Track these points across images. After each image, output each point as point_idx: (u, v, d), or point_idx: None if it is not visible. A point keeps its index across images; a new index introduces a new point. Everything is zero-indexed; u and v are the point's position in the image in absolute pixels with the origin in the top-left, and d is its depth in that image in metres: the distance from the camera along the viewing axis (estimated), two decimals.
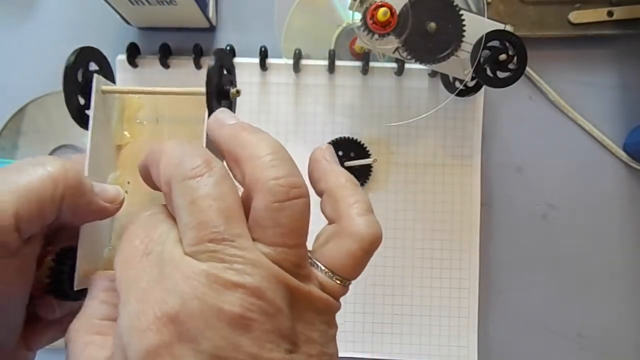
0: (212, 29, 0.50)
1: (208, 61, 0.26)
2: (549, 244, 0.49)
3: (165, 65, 0.48)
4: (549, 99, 0.50)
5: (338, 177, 0.24)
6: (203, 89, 0.26)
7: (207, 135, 0.25)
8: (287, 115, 0.48)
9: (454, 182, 0.48)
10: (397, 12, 0.37)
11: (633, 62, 0.50)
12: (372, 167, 0.47)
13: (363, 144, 0.47)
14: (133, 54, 0.47)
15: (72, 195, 0.22)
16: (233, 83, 0.28)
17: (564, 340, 0.48)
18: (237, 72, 0.48)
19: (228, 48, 0.48)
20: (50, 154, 0.49)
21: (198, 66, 0.48)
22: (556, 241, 0.49)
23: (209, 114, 0.26)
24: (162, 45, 0.48)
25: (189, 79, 0.48)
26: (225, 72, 0.28)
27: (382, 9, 0.36)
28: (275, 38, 0.48)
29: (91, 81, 0.27)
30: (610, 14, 0.48)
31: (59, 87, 0.52)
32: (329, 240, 0.22)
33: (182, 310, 0.17)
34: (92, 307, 0.22)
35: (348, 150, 0.47)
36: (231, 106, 0.29)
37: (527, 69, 0.49)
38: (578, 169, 0.49)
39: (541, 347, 0.48)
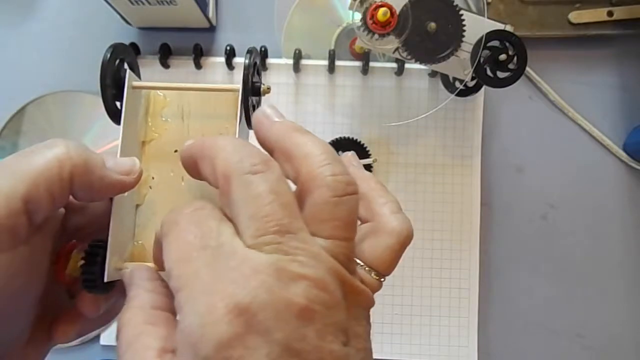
0: (212, 29, 0.50)
1: (245, 60, 0.27)
2: (549, 244, 0.49)
3: (165, 65, 0.48)
4: (549, 99, 0.50)
5: (368, 180, 0.25)
6: (235, 86, 0.27)
7: (243, 128, 0.27)
8: (287, 115, 0.48)
9: (454, 182, 0.48)
10: (397, 12, 0.37)
11: (633, 62, 0.50)
12: (372, 167, 0.47)
13: (363, 144, 0.47)
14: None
15: (81, 173, 0.22)
16: (261, 80, 0.30)
17: (564, 340, 0.48)
18: (237, 72, 0.48)
19: (263, 49, 0.48)
20: None
21: (198, 66, 0.48)
22: (556, 241, 0.49)
23: (245, 110, 0.27)
24: (162, 45, 0.48)
25: (189, 79, 0.48)
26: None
27: (382, 9, 0.36)
28: (275, 38, 0.48)
29: (124, 77, 0.27)
30: (610, 14, 0.48)
31: (59, 87, 0.52)
32: (364, 239, 0.23)
33: (253, 302, 0.17)
34: (141, 297, 0.22)
35: (348, 150, 0.46)
36: (259, 103, 0.30)
37: (527, 69, 0.49)
38: (578, 169, 0.49)
39: (541, 347, 0.48)
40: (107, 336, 0.47)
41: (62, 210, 0.26)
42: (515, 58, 0.39)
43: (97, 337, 0.47)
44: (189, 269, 0.18)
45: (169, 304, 0.22)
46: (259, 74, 0.30)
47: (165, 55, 0.48)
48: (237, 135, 0.26)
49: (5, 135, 0.48)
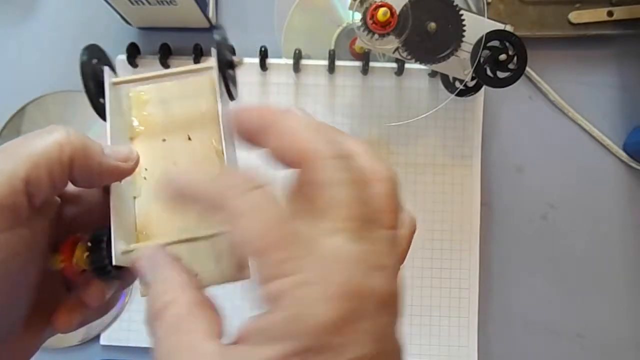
0: (212, 29, 0.50)
1: (215, 36, 0.28)
2: (549, 244, 0.49)
3: (165, 65, 0.48)
4: (549, 99, 0.50)
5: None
6: (209, 63, 0.28)
7: (225, 102, 0.28)
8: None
9: (454, 182, 0.48)
10: (397, 12, 0.37)
11: (633, 62, 0.50)
12: None
13: None
14: (133, 54, 0.47)
15: (80, 157, 0.23)
16: (233, 51, 0.31)
17: (564, 340, 0.48)
18: (237, 72, 0.48)
19: (263, 49, 0.48)
20: None
21: None
22: (556, 241, 0.49)
23: (226, 87, 0.28)
24: (162, 45, 0.48)
25: None
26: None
27: (382, 9, 0.36)
28: (275, 38, 0.48)
29: (102, 75, 0.28)
30: (610, 14, 0.48)
31: (59, 87, 0.52)
32: None
33: (353, 289, 0.17)
34: (179, 278, 0.21)
35: None
36: (234, 76, 0.31)
37: (527, 69, 0.49)
38: (578, 169, 0.49)
39: (541, 347, 0.48)
40: (107, 336, 0.47)
41: (58, 199, 0.27)
42: (515, 58, 0.39)
43: (97, 337, 0.47)
44: (283, 254, 0.18)
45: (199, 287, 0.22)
46: (232, 49, 0.31)
47: (165, 55, 0.48)
48: (219, 109, 0.27)
49: (5, 135, 0.48)
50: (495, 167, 0.49)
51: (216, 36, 0.28)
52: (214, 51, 0.28)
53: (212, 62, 0.28)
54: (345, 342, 0.17)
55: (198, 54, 0.47)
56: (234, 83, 0.31)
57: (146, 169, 0.28)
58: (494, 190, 0.49)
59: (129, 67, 0.48)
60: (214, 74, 0.28)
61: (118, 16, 0.47)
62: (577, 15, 0.48)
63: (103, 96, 0.28)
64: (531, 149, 0.49)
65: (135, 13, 0.47)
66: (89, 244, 0.24)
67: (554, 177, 0.49)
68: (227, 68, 0.29)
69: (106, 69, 0.29)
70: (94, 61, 0.29)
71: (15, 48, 0.51)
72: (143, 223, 0.27)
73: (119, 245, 0.24)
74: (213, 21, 0.49)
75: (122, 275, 0.25)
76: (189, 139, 0.29)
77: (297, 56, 0.47)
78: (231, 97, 0.30)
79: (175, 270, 0.22)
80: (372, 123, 0.48)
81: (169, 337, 0.19)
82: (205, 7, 0.47)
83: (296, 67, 0.47)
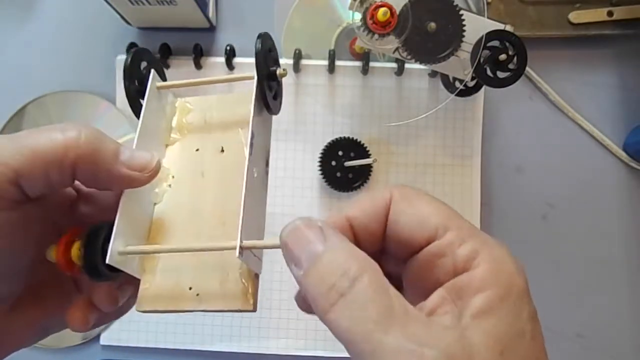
0: (212, 29, 0.50)
1: (256, 44, 0.27)
2: (549, 244, 0.48)
3: (165, 65, 0.48)
4: (549, 99, 0.50)
5: None
6: (250, 74, 0.27)
7: (262, 117, 0.28)
8: (287, 115, 0.48)
9: (454, 182, 0.48)
10: (397, 12, 0.37)
11: (633, 62, 0.50)
12: (372, 167, 0.47)
13: (363, 144, 0.47)
14: None
15: (86, 162, 0.22)
16: (277, 63, 0.29)
17: (564, 340, 0.48)
18: (237, 72, 0.48)
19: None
20: None
21: (198, 66, 0.48)
22: (556, 241, 0.49)
23: (263, 97, 0.27)
24: (162, 45, 0.48)
25: (189, 78, 0.48)
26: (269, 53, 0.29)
27: (382, 9, 0.36)
28: (275, 38, 0.48)
29: (147, 77, 0.28)
30: (610, 14, 0.48)
31: (59, 87, 0.52)
32: None
33: None
34: (356, 249, 0.20)
35: (348, 150, 0.47)
36: (279, 87, 0.30)
37: (527, 69, 0.49)
38: (578, 169, 0.49)
39: None
40: (107, 336, 0.47)
41: (73, 192, 0.27)
42: (515, 58, 0.39)
43: (97, 337, 0.47)
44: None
45: None
46: (276, 60, 0.30)
47: (165, 55, 0.48)
48: (251, 124, 0.26)
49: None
50: (495, 167, 0.49)
51: (257, 45, 0.27)
52: (256, 59, 0.27)
53: (253, 73, 0.27)
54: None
55: (198, 54, 0.47)
56: (277, 96, 0.30)
57: (173, 177, 0.28)
58: (494, 190, 0.49)
59: None
60: (254, 85, 0.27)
61: (118, 16, 0.47)
62: (577, 15, 0.48)
63: (143, 96, 0.28)
64: (531, 149, 0.49)
65: (135, 13, 0.47)
66: (86, 239, 0.24)
67: (554, 177, 0.49)
68: (266, 80, 0.28)
69: (153, 72, 0.28)
70: (144, 64, 0.29)
71: (15, 48, 0.51)
72: (157, 229, 0.27)
73: (117, 244, 0.24)
74: (213, 21, 0.49)
75: (121, 281, 0.25)
76: (222, 150, 0.28)
77: (297, 56, 0.47)
78: (269, 110, 0.29)
79: (348, 243, 0.20)
80: (372, 123, 0.48)
81: (378, 298, 0.18)
82: (205, 7, 0.47)
83: (296, 67, 0.47)
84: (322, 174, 0.46)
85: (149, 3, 0.44)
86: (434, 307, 0.20)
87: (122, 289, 0.26)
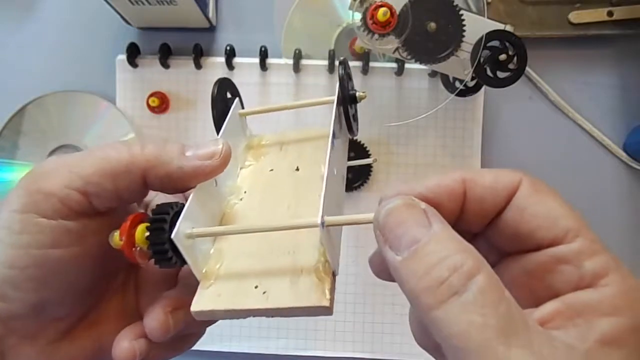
0: (212, 29, 0.50)
1: (339, 70, 0.30)
2: None
3: (165, 65, 0.48)
4: (549, 99, 0.50)
5: None
6: (331, 98, 0.29)
7: (341, 140, 0.29)
8: (287, 115, 0.48)
9: None
10: (397, 12, 0.37)
11: (633, 62, 0.50)
12: (372, 167, 0.47)
13: (363, 144, 0.47)
14: (133, 54, 0.47)
15: (154, 166, 0.23)
16: (354, 87, 0.32)
17: None
18: (237, 72, 0.48)
19: (263, 49, 0.48)
20: (50, 154, 0.49)
21: (198, 66, 0.48)
22: None
23: (346, 120, 0.29)
24: (162, 45, 0.48)
25: (189, 79, 0.48)
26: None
27: (382, 9, 0.36)
28: (275, 38, 0.48)
29: (230, 104, 0.31)
30: (610, 14, 0.48)
31: (59, 87, 0.52)
32: None
33: None
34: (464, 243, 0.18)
35: (348, 150, 0.46)
36: (356, 110, 0.32)
37: (527, 69, 0.49)
38: (578, 169, 0.49)
39: None
40: None
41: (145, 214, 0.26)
42: (515, 58, 0.39)
43: None
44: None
45: None
46: (351, 82, 0.32)
47: (165, 55, 0.48)
48: (329, 154, 0.25)
49: (5, 135, 0.48)
50: (495, 167, 0.49)
51: (340, 71, 0.29)
52: (338, 86, 0.29)
53: (333, 97, 0.29)
54: None
55: (198, 54, 0.47)
56: (355, 119, 0.31)
57: (245, 192, 0.28)
58: None
59: (129, 67, 0.48)
60: (333, 106, 0.28)
61: (118, 16, 0.47)
62: (577, 15, 0.48)
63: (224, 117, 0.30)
64: (531, 149, 0.49)
65: (135, 13, 0.47)
66: (150, 221, 0.22)
67: (554, 177, 0.49)
68: (348, 103, 0.29)
69: (236, 100, 0.31)
70: (229, 95, 0.31)
71: (15, 48, 0.51)
72: (219, 241, 0.25)
73: (185, 226, 0.22)
74: (213, 21, 0.49)
75: (195, 323, 0.23)
76: (297, 169, 0.29)
77: (297, 56, 0.47)
78: (351, 132, 0.30)
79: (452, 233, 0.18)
80: (372, 123, 0.48)
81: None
82: (205, 7, 0.47)
83: (296, 67, 0.47)
84: None
85: (149, 3, 0.44)
86: (547, 318, 0.18)
87: (175, 313, 0.24)
